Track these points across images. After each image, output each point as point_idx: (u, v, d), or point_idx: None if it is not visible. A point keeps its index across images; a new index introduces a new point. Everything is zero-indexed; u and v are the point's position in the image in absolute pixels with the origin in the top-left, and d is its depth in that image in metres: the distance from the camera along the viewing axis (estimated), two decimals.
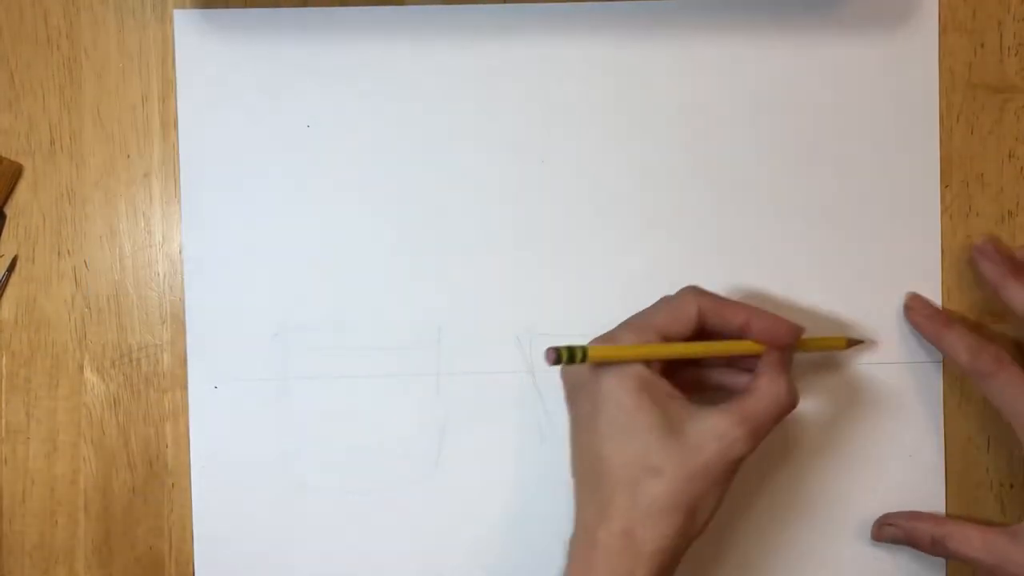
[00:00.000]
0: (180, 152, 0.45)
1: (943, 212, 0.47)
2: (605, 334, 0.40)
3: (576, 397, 0.40)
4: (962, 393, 0.47)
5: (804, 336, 0.41)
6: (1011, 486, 0.47)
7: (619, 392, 0.38)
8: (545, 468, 0.46)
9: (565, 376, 0.42)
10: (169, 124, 0.46)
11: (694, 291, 0.41)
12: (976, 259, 0.45)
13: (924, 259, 0.46)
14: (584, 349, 0.38)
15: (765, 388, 0.39)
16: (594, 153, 0.46)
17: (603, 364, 0.39)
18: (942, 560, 0.46)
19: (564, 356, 0.37)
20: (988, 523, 0.44)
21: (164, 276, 0.46)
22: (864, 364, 0.46)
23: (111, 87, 0.46)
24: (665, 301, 0.41)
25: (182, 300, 0.46)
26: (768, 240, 0.46)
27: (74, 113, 0.46)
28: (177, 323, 0.46)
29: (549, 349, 0.37)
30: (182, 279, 0.46)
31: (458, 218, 0.46)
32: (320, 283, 0.46)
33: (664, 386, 0.39)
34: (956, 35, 0.46)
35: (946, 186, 0.47)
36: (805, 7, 0.46)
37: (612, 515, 0.37)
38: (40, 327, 0.46)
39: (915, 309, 0.45)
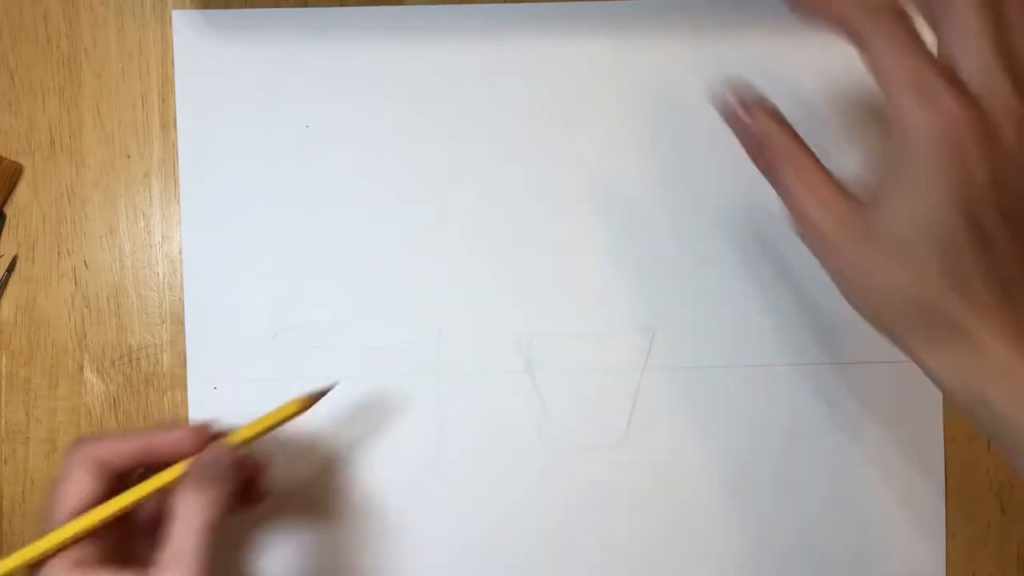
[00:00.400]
0: (180, 152, 0.46)
1: None
2: None
3: None
4: None
5: (251, 421, 0.38)
6: (1011, 486, 0.47)
7: None
8: (544, 468, 0.46)
9: None
10: (169, 124, 0.46)
11: (78, 448, 0.36)
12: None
13: None
14: None
15: (170, 524, 0.35)
16: (594, 153, 0.46)
17: None
18: (941, 562, 0.46)
19: None
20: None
21: (164, 276, 0.46)
22: (864, 364, 0.46)
23: (111, 87, 0.46)
24: (58, 481, 0.36)
25: (182, 300, 0.46)
26: (767, 239, 0.46)
27: (74, 113, 0.46)
28: (177, 323, 0.46)
29: None
30: (182, 279, 0.46)
31: (458, 218, 0.46)
32: (320, 283, 0.46)
33: None
34: None
35: None
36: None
37: None
38: (40, 327, 0.46)
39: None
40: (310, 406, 0.39)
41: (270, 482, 0.42)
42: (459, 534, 0.46)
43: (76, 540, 0.35)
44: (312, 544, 0.46)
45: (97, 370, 0.46)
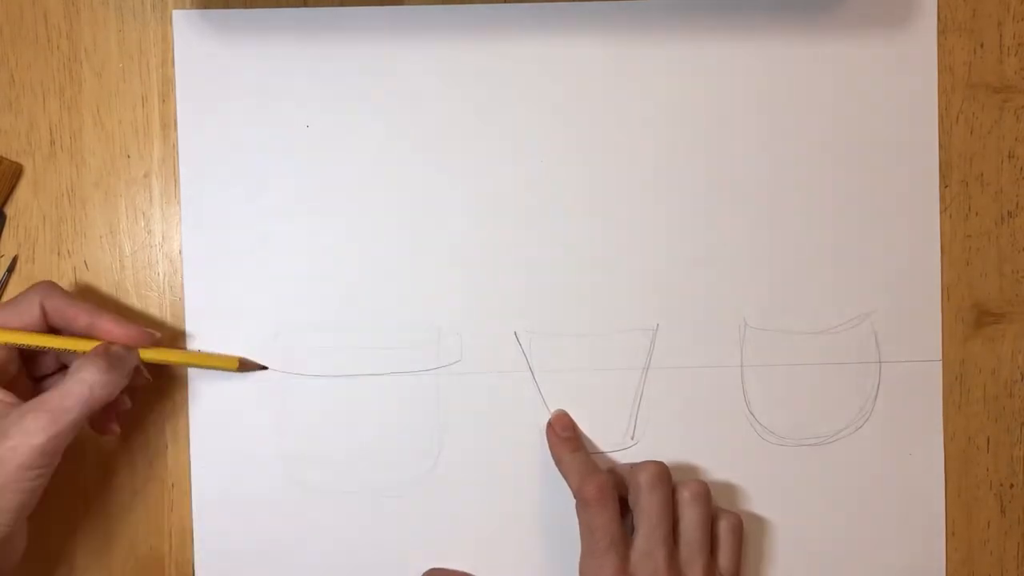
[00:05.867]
0: (180, 152, 0.46)
1: (942, 212, 0.47)
2: None
3: None
4: (962, 393, 0.47)
5: (183, 351, 0.45)
6: (1011, 486, 0.47)
7: None
8: (544, 468, 0.46)
9: None
10: (169, 124, 0.46)
11: (42, 288, 0.41)
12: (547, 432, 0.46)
13: (923, 259, 0.46)
14: None
15: (70, 372, 0.39)
16: (593, 153, 0.46)
17: None
18: (941, 562, 0.46)
19: None
20: None
21: (164, 276, 0.46)
22: (864, 364, 0.46)
23: (111, 87, 0.46)
24: (12, 299, 0.41)
25: (182, 300, 0.45)
26: (767, 239, 0.46)
27: (74, 113, 0.46)
28: (177, 323, 0.46)
29: None
30: (182, 279, 0.46)
31: (458, 218, 0.46)
32: (320, 283, 0.46)
33: None
34: (955, 35, 0.47)
35: (945, 186, 0.47)
36: (805, 7, 0.46)
37: None
38: None
39: (552, 426, 0.46)
40: (241, 370, 0.44)
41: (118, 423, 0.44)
42: (459, 533, 0.46)
43: None
44: (312, 543, 0.46)
45: None
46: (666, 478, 0.43)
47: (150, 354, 0.42)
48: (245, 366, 0.45)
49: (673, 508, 0.43)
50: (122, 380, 0.40)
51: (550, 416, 0.46)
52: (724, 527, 0.44)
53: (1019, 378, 0.47)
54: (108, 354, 0.40)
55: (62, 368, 0.43)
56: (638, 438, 0.46)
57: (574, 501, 0.43)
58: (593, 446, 0.46)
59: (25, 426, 0.37)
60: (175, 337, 0.46)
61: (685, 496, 0.43)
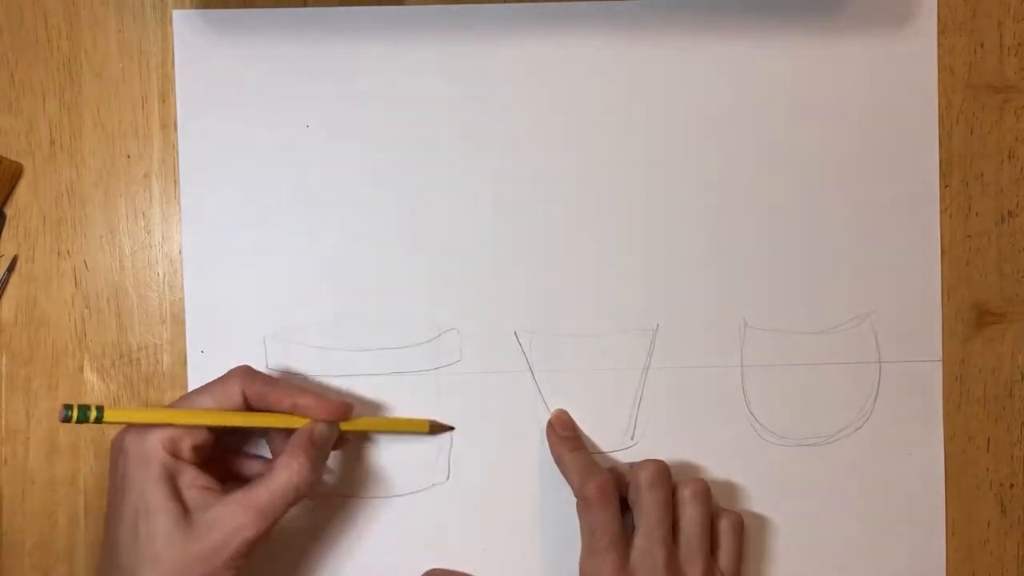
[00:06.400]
0: (180, 152, 0.46)
1: (943, 212, 0.47)
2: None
3: (113, 471, 0.40)
4: (962, 393, 0.47)
5: (377, 418, 0.45)
6: (1011, 486, 0.47)
7: (141, 480, 0.38)
8: (544, 467, 0.46)
9: (114, 442, 0.41)
10: (169, 124, 0.46)
11: (242, 372, 0.41)
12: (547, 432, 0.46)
13: (924, 259, 0.46)
14: (100, 408, 0.38)
15: (279, 468, 0.39)
16: (594, 153, 0.46)
17: (132, 449, 0.39)
18: (941, 562, 0.46)
19: (75, 414, 0.38)
20: None
21: (164, 276, 0.46)
22: (864, 364, 0.46)
23: (111, 87, 0.46)
24: (211, 383, 0.42)
25: (182, 300, 0.45)
26: (767, 239, 0.46)
27: (74, 113, 0.46)
28: (177, 323, 0.46)
29: (62, 406, 0.38)
30: (182, 279, 0.46)
31: (458, 217, 0.46)
32: (320, 283, 0.46)
33: (190, 475, 0.39)
34: (956, 35, 0.47)
35: (946, 186, 0.47)
36: (805, 7, 0.46)
37: None
38: (40, 327, 0.46)
39: (552, 426, 0.46)
40: (431, 432, 0.45)
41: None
42: (459, 534, 0.46)
43: (200, 426, 0.40)
44: (312, 543, 0.46)
45: (97, 370, 0.45)
46: (666, 477, 0.43)
47: (347, 425, 0.43)
48: (435, 429, 0.45)
49: (673, 507, 0.43)
50: (324, 467, 0.41)
51: (550, 416, 0.46)
52: (725, 526, 0.44)
53: (1019, 378, 0.47)
54: (313, 443, 0.40)
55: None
56: (638, 438, 0.46)
57: (574, 501, 0.43)
58: (593, 446, 0.46)
59: (236, 521, 0.38)
60: (175, 337, 0.46)
61: (685, 495, 0.43)
